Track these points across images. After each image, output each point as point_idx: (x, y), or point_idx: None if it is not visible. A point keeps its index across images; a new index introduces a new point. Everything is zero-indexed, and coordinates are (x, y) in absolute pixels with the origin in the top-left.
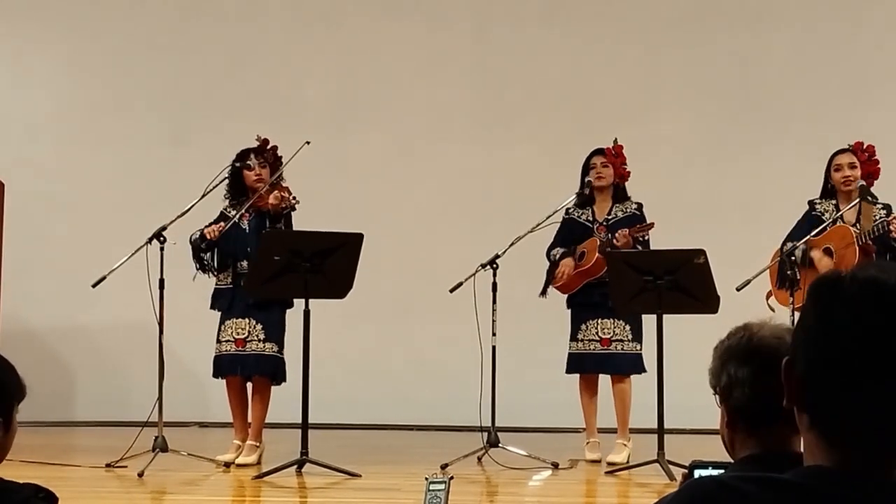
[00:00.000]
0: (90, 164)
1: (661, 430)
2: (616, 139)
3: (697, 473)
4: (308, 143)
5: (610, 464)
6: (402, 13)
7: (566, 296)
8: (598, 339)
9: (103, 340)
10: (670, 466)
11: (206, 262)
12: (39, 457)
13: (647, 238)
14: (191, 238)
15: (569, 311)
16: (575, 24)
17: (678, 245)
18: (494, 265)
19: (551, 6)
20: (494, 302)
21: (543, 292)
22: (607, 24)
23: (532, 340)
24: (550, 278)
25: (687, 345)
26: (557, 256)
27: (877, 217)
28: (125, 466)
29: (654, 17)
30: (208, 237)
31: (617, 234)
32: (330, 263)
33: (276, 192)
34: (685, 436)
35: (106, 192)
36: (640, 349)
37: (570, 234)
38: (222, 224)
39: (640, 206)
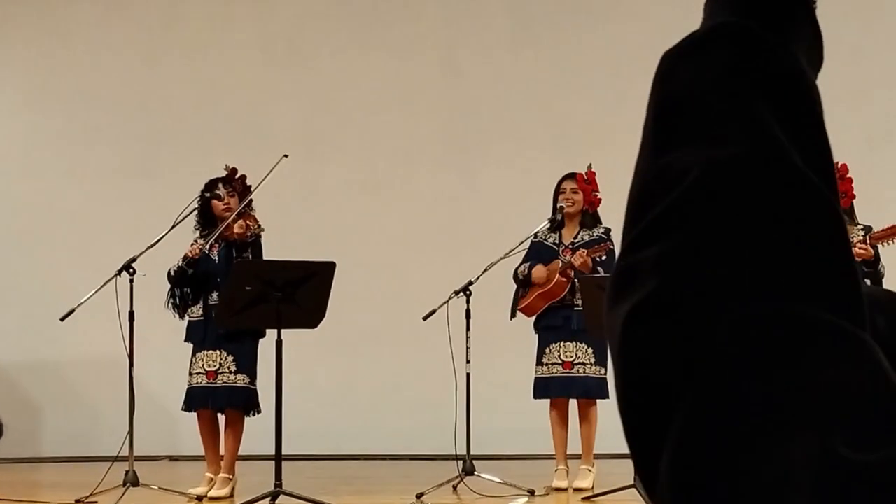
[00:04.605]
0: (57, 196)
1: None
2: (590, 165)
3: None
4: (286, 156)
5: (577, 490)
6: (370, 44)
7: (533, 320)
8: (560, 362)
9: (70, 374)
10: None
11: (186, 295)
12: (6, 493)
13: (604, 258)
14: (169, 272)
15: (536, 335)
16: (542, 50)
17: None
18: (468, 292)
19: (518, 32)
20: (468, 329)
21: (512, 315)
22: (575, 48)
23: (506, 367)
24: (517, 300)
25: None
26: (525, 272)
27: (854, 238)
28: (95, 502)
29: (623, 40)
30: (191, 256)
31: (574, 255)
32: (302, 293)
33: (240, 220)
34: None
35: (74, 224)
36: (604, 373)
37: (538, 257)
38: (199, 241)
39: (607, 230)
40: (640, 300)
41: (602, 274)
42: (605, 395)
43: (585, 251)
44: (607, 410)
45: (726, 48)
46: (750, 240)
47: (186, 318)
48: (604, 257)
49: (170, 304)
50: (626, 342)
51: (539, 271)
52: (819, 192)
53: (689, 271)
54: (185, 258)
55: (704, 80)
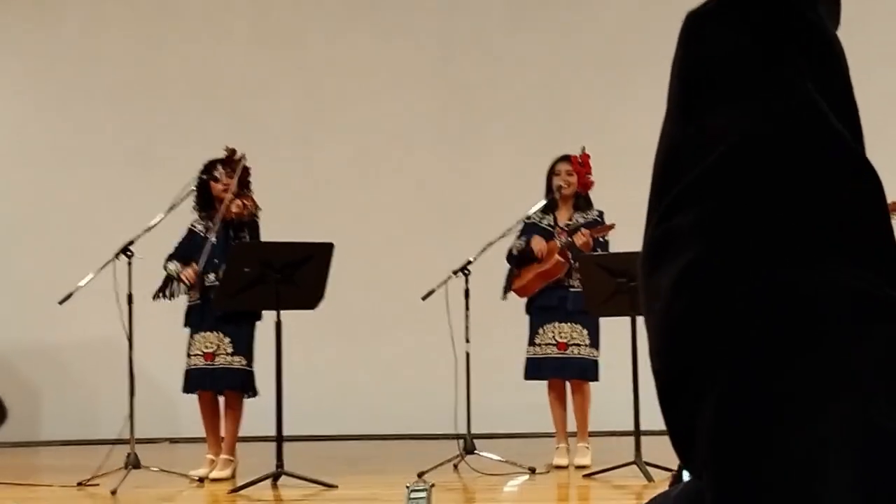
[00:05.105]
0: (55, 180)
1: (637, 432)
2: (584, 147)
3: (686, 474)
4: (243, 154)
5: (578, 467)
6: (366, 28)
7: (525, 300)
8: (554, 342)
9: (69, 358)
10: (647, 468)
11: (172, 292)
12: (7, 477)
13: (606, 239)
14: (166, 265)
15: (528, 315)
16: (538, 32)
17: None
18: (466, 271)
19: (513, 14)
20: (467, 308)
21: (504, 294)
22: (571, 31)
23: (506, 346)
24: (511, 280)
25: None
26: (522, 245)
27: None
28: (97, 485)
29: (619, 23)
30: (187, 282)
31: (577, 234)
32: (301, 274)
33: (237, 200)
34: (661, 437)
35: (71, 209)
36: (597, 355)
37: (526, 245)
38: (194, 265)
39: (601, 213)
40: (684, 267)
41: (601, 253)
42: (597, 378)
43: (588, 231)
44: (602, 390)
45: (753, 9)
46: (791, 205)
47: (186, 303)
48: (607, 237)
49: (158, 294)
50: (672, 309)
51: (539, 242)
52: (857, 156)
53: (732, 238)
54: (179, 279)
55: (733, 42)
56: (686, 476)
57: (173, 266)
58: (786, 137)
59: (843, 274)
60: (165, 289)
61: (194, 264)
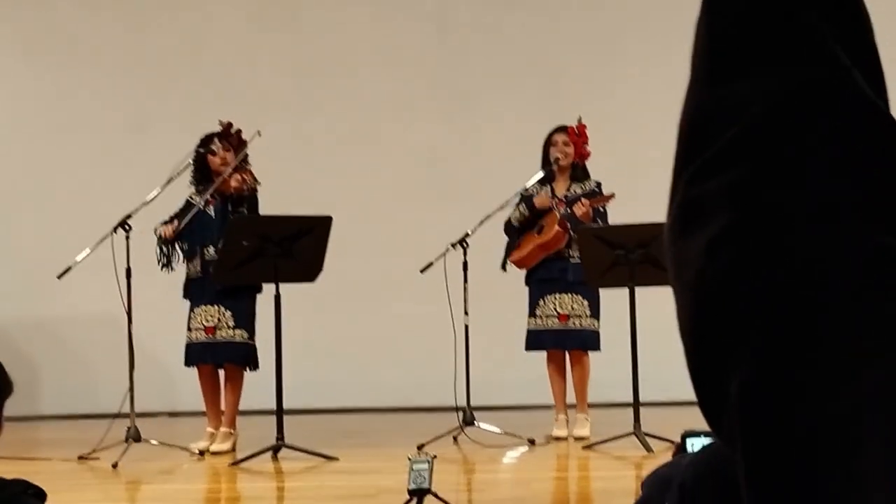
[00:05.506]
0: (51, 154)
1: (636, 404)
2: (580, 118)
3: (690, 443)
4: (259, 133)
5: (577, 438)
6: None
7: (524, 272)
8: (555, 314)
9: (69, 332)
10: (647, 439)
11: (166, 255)
12: (7, 451)
13: (605, 210)
14: (154, 231)
15: (527, 287)
16: (536, 3)
17: (647, 219)
18: (464, 244)
19: None
20: (466, 281)
21: (504, 266)
22: (569, 1)
23: (504, 318)
24: (510, 251)
25: (657, 318)
26: (525, 212)
27: None
28: (98, 458)
29: None
30: (164, 236)
31: (576, 204)
32: (299, 247)
33: (236, 175)
34: (658, 408)
35: (69, 183)
36: (598, 326)
37: (529, 210)
38: (175, 223)
39: (598, 184)
40: (717, 233)
41: (600, 225)
42: (599, 348)
43: (588, 201)
44: (601, 361)
45: None
46: (824, 169)
47: (184, 275)
48: (605, 208)
49: (158, 263)
50: (705, 275)
51: (542, 197)
52: (885, 117)
53: (765, 202)
54: (158, 237)
55: (757, 4)
56: (690, 446)
57: (157, 227)
58: (821, 101)
59: (876, 236)
60: (166, 256)
61: (176, 222)
